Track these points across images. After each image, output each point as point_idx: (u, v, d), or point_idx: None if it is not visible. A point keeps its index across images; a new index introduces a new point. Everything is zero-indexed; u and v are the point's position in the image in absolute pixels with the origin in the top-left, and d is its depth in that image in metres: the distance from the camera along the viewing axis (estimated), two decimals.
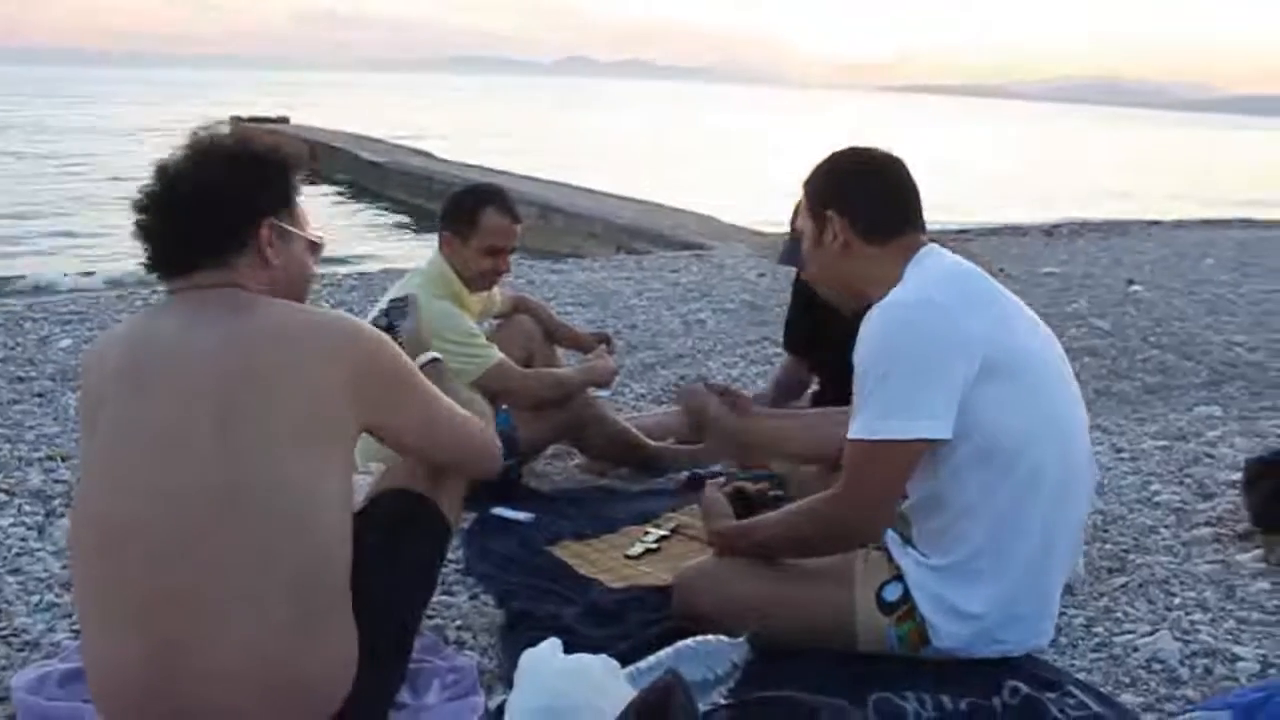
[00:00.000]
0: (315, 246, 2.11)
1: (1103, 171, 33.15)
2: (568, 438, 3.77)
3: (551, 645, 1.79)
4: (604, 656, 1.79)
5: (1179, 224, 14.93)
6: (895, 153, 2.40)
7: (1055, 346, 2.35)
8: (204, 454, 1.75)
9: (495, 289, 3.86)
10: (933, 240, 2.33)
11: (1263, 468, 3.14)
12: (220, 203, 1.93)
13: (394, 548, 2.02)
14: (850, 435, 2.16)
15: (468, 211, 3.52)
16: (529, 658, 1.79)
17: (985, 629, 2.26)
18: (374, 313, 2.70)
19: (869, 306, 2.25)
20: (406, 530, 2.02)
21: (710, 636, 1.97)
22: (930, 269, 2.25)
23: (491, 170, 18.00)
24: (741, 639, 1.96)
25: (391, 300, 2.63)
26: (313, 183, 19.82)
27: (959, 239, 11.09)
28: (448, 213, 3.57)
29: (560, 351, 4.19)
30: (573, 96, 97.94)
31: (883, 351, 2.14)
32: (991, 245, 11.15)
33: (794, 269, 3.53)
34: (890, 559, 2.33)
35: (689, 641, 1.94)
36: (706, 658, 1.89)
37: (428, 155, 21.55)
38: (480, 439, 2.16)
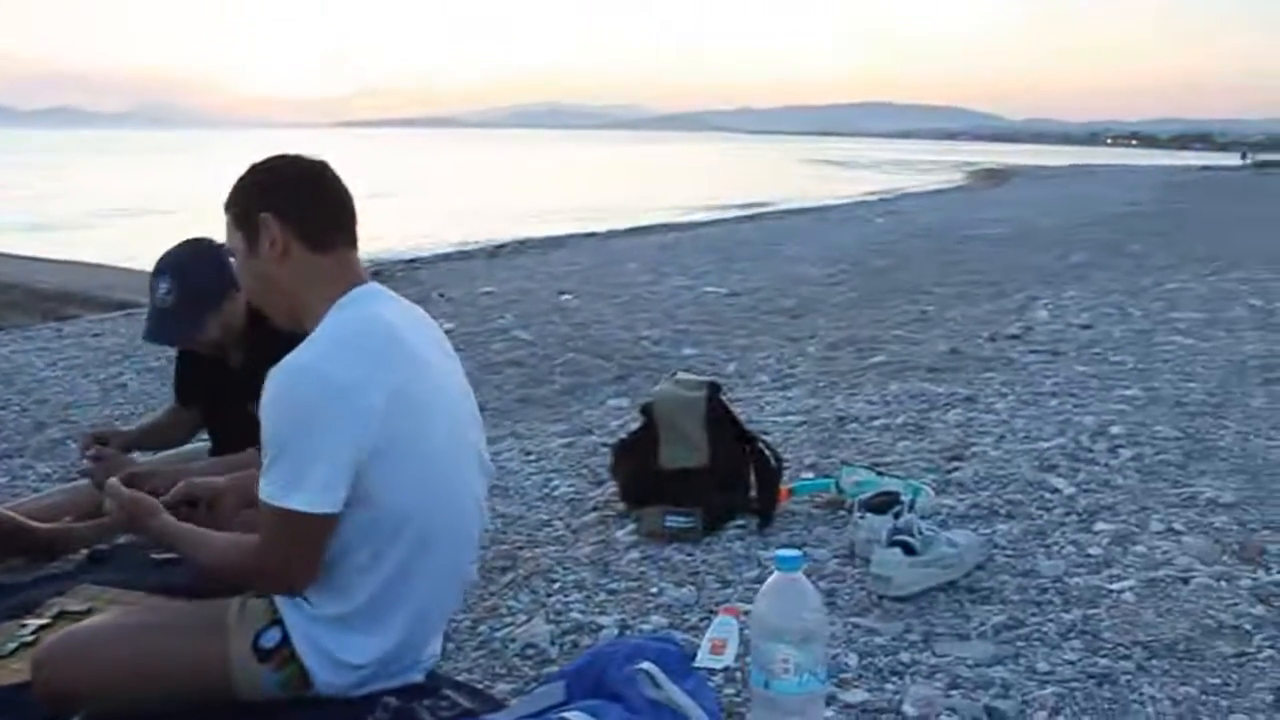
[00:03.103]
0: None
1: (545, 189, 35.17)
2: None
3: None
4: None
5: (611, 234, 16.19)
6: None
7: (465, 403, 2.35)
8: None
9: None
10: (379, 271, 2.28)
11: (624, 449, 3.47)
12: None
13: None
14: (259, 494, 2.12)
15: None
16: None
17: (365, 678, 2.28)
18: None
19: (262, 354, 2.19)
20: None
21: None
22: (346, 324, 2.17)
23: None
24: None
25: None
26: None
27: (408, 269, 11.32)
28: None
29: None
30: None
31: (278, 419, 2.09)
32: (440, 271, 11.48)
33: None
34: (271, 604, 2.31)
35: None
36: None
37: None
38: None
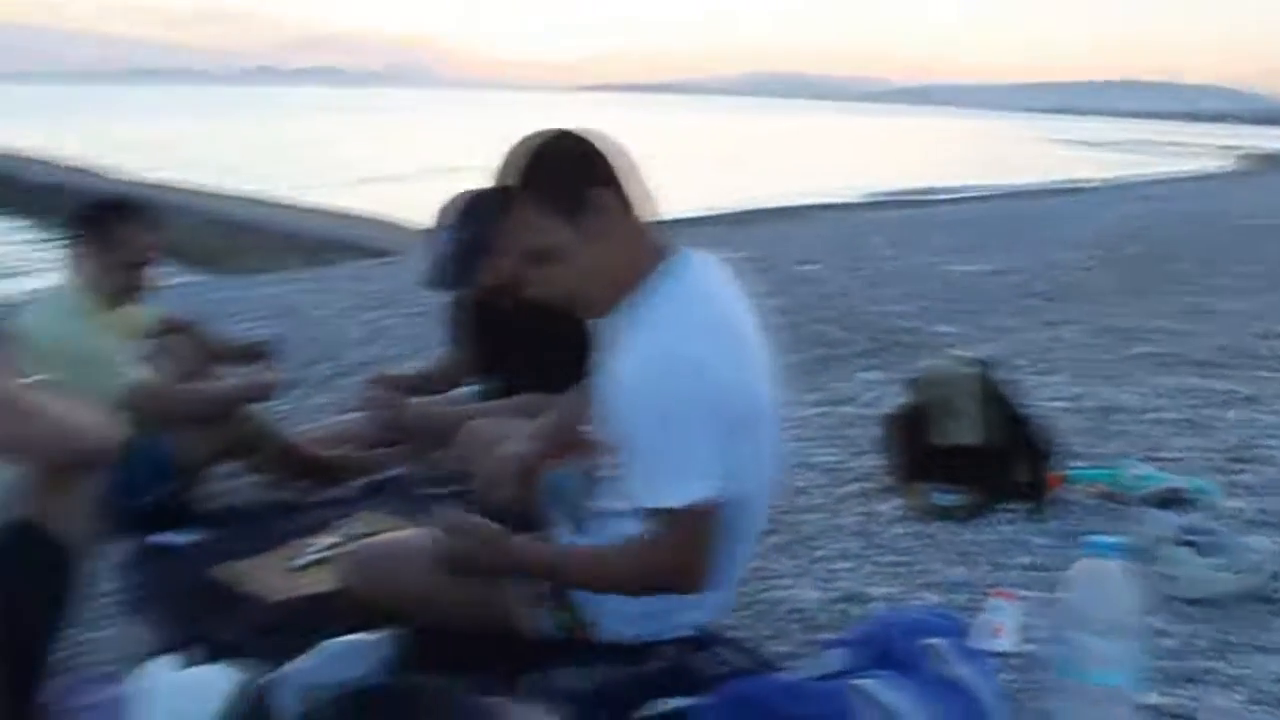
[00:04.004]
0: None
1: (783, 159, 34.91)
2: (234, 456, 3.63)
3: (168, 661, 1.73)
4: (223, 667, 1.75)
5: (852, 205, 15.96)
6: None
7: (768, 356, 2.26)
8: None
9: (145, 309, 3.67)
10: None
11: (895, 423, 3.40)
12: None
13: None
14: (647, 505, 2.08)
15: (102, 224, 3.33)
16: (146, 675, 1.73)
17: (645, 629, 2.27)
18: None
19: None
20: (10, 563, 1.89)
21: (353, 636, 1.95)
22: (692, 301, 2.10)
23: (175, 188, 17.14)
24: (384, 634, 1.96)
25: None
26: None
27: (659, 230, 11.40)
28: (81, 225, 3.37)
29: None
30: (262, 106, 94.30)
31: (656, 413, 2.02)
32: (687, 234, 11.53)
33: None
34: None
35: (328, 645, 1.92)
36: (348, 658, 1.87)
37: (99, 175, 20.28)
38: (82, 420, 1.95)
